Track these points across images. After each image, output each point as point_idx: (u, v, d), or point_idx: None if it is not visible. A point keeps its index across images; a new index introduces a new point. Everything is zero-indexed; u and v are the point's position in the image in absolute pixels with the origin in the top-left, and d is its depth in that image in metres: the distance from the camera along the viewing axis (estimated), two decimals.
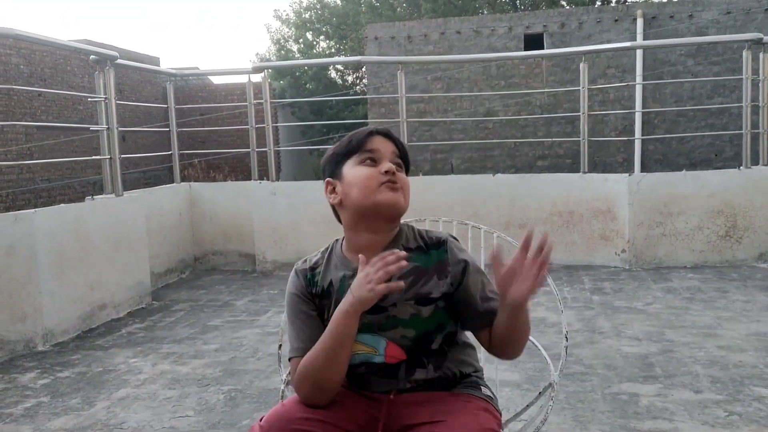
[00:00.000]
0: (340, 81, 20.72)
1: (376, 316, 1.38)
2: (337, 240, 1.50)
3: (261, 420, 1.33)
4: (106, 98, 4.59)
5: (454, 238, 1.47)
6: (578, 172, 5.83)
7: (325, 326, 1.38)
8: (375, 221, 1.40)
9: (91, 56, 4.62)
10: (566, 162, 11.58)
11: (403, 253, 1.31)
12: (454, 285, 1.39)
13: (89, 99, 4.70)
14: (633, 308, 4.36)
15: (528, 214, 5.84)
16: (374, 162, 1.40)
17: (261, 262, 5.89)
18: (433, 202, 5.86)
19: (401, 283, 1.32)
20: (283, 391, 1.66)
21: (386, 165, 1.39)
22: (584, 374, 3.17)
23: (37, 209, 3.91)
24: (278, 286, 5.38)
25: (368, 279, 1.29)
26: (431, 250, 1.42)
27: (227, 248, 6.09)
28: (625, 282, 5.09)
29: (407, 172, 1.48)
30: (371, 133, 1.43)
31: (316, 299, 1.43)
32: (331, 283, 1.43)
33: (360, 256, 1.34)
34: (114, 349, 3.87)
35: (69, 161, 12.26)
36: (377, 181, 1.37)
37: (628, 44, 6.27)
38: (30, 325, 3.82)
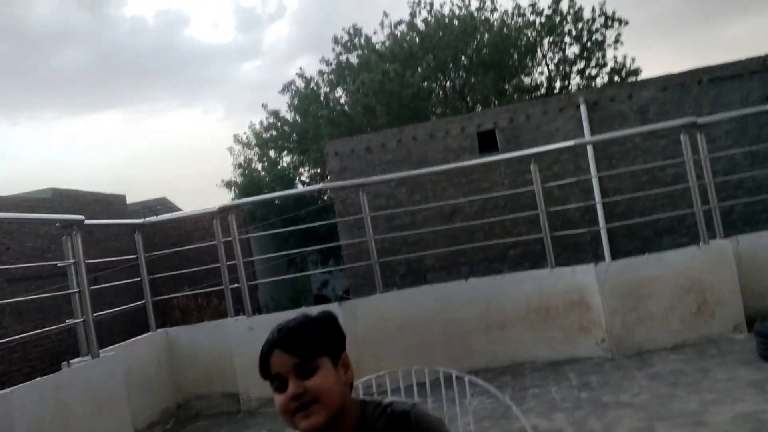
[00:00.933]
0: (307, 194, 21.11)
1: None
2: None
3: None
4: (74, 262, 4.64)
5: (419, 408, 1.46)
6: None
7: None
8: None
9: (57, 223, 4.71)
10: (537, 248, 11.76)
11: None
12: None
13: (58, 265, 4.74)
14: (621, 402, 4.38)
15: (505, 314, 5.91)
16: (283, 386, 1.40)
17: (246, 401, 5.80)
18: (412, 315, 5.92)
19: None
20: None
21: (290, 390, 1.38)
22: None
23: (13, 388, 3.87)
24: (266, 425, 5.29)
25: None
26: (398, 427, 1.42)
27: (210, 390, 5.99)
28: (610, 373, 5.11)
29: (334, 353, 1.45)
30: (268, 353, 1.41)
31: None
32: None
33: None
34: None
35: (39, 305, 12.21)
36: (290, 409, 1.38)
37: (572, 143, 6.61)
38: None
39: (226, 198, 21.94)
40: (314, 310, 1.57)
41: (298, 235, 16.68)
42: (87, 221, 4.96)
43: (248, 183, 20.97)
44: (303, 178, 22.13)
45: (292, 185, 20.28)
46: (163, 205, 20.20)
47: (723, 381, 4.44)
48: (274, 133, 21.65)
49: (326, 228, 15.39)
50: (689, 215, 11.60)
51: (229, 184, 22.37)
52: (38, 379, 4.14)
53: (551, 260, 5.88)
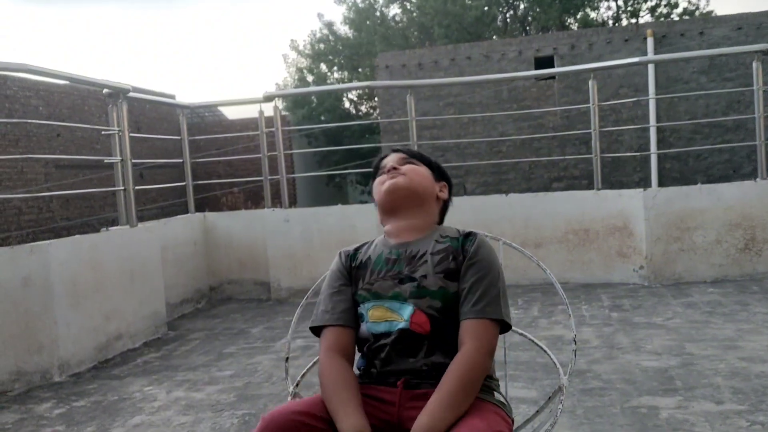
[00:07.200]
0: (353, 111, 20.92)
1: (406, 285, 1.52)
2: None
3: None
4: (119, 131, 4.66)
5: (486, 238, 1.65)
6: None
7: (353, 297, 1.58)
8: (393, 209, 1.66)
9: (105, 90, 4.71)
10: (582, 183, 11.52)
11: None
12: (461, 270, 1.53)
13: (103, 132, 4.77)
14: (652, 323, 4.29)
15: (543, 233, 5.80)
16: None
17: (276, 290, 5.89)
18: (448, 222, 5.84)
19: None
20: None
21: (389, 163, 1.71)
22: (603, 389, 3.11)
23: (52, 240, 3.96)
24: (293, 312, 5.34)
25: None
26: (462, 238, 1.61)
27: (242, 277, 6.10)
28: (644, 298, 5.01)
29: (432, 167, 1.75)
30: (386, 155, 1.77)
31: (353, 271, 1.63)
32: (369, 257, 1.63)
33: None
34: (129, 378, 3.87)
35: (85, 194, 12.53)
36: (383, 180, 1.68)
37: (636, 59, 6.26)
38: (46, 356, 3.84)
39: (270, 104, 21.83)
40: None
41: (340, 153, 16.59)
42: (132, 94, 4.96)
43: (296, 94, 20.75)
44: (351, 96, 21.88)
45: (340, 101, 20.05)
46: (211, 112, 20.27)
47: (762, 314, 4.30)
48: (325, 47, 21.28)
49: (369, 151, 15.23)
50: (745, 163, 11.20)
51: (268, 98, 22.18)
52: (76, 236, 4.23)
53: (598, 182, 5.70)
